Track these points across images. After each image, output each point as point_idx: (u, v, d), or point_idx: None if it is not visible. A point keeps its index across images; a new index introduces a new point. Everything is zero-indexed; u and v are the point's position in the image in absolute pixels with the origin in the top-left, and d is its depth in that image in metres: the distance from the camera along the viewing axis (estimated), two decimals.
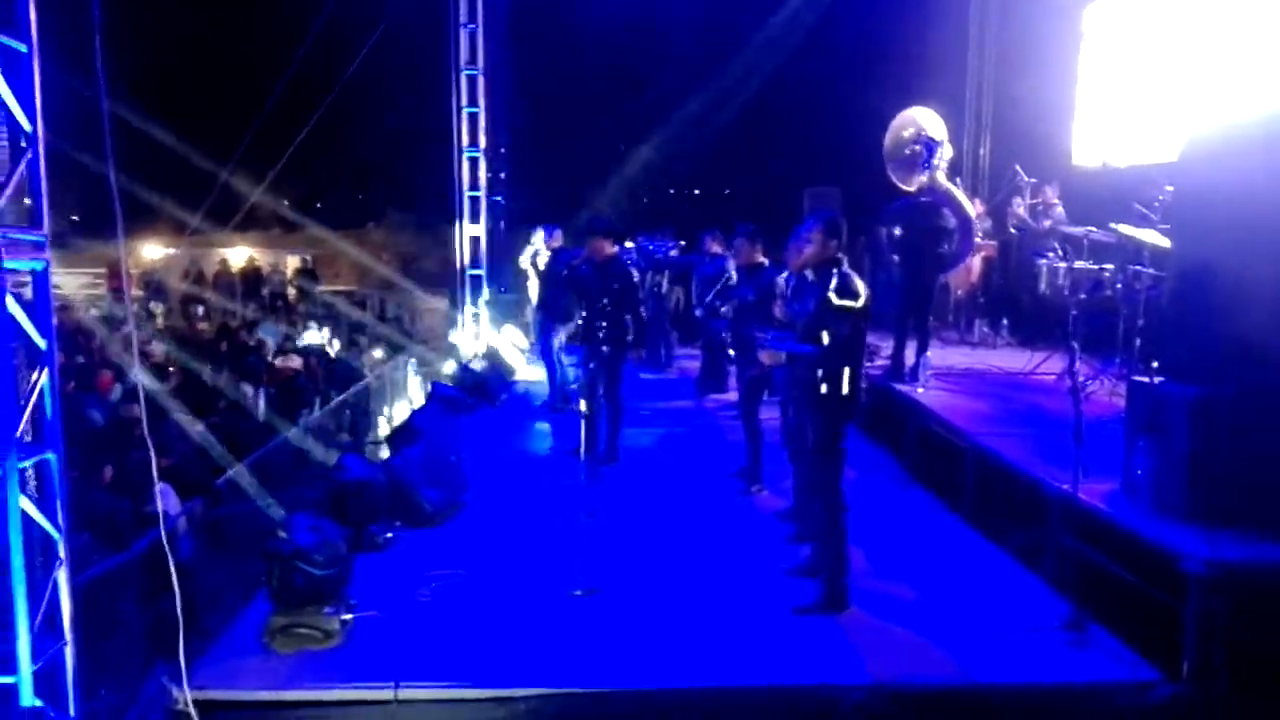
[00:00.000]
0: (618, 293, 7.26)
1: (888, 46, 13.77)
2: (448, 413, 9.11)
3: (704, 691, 4.17)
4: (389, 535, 5.93)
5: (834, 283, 4.72)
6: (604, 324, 7.08)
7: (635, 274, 7.73)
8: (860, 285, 4.75)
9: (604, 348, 7.04)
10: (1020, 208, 10.81)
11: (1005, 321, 10.89)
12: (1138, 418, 5.03)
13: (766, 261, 6.77)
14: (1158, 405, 4.86)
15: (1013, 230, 10.98)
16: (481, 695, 4.08)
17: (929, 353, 8.57)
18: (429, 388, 10.96)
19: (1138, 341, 7.48)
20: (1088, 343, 7.67)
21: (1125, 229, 7.86)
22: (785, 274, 5.84)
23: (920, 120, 8.76)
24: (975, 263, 10.90)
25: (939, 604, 5.00)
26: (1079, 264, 8.78)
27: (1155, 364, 5.52)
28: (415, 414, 9.33)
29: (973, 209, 9.23)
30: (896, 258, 8.80)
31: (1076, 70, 11.29)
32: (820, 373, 4.74)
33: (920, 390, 8.07)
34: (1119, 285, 8.09)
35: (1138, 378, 5.48)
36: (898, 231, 8.75)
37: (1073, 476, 4.79)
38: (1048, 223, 10.38)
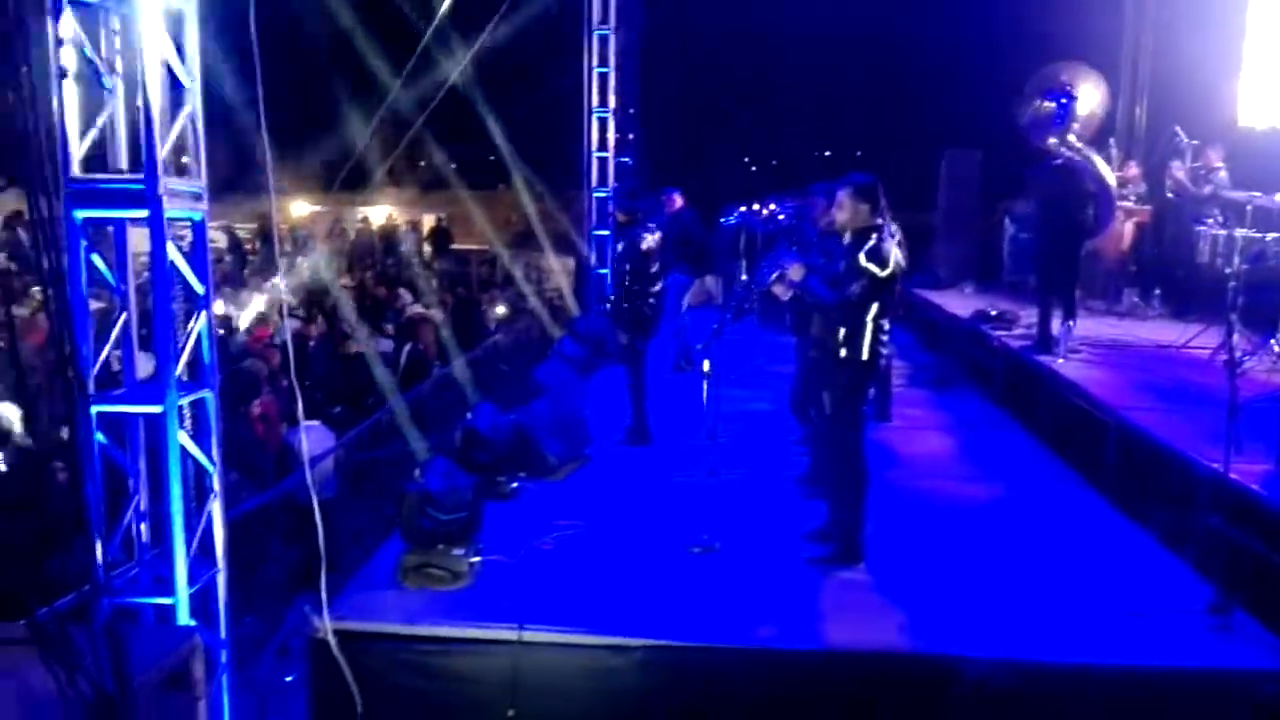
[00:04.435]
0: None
1: (1040, 4, 13.06)
2: (572, 369, 9.26)
3: (816, 654, 4.16)
4: (514, 485, 6.10)
5: (868, 246, 4.65)
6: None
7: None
8: (893, 256, 4.68)
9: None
10: (1179, 171, 10.15)
11: (1157, 292, 10.30)
12: None
13: None
14: None
15: (1170, 195, 10.33)
16: (600, 642, 4.18)
17: (1072, 323, 8.20)
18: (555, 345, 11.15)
19: None
20: (1246, 316, 7.18)
21: None
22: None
23: (1062, 76, 8.30)
24: (1127, 229, 10.34)
25: (1073, 581, 4.81)
26: (1240, 232, 8.23)
27: None
28: (539, 369, 9.52)
29: (1111, 176, 8.70)
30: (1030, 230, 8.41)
31: (1244, 23, 10.46)
32: (841, 335, 4.71)
33: (1060, 362, 7.74)
34: None
35: None
36: (1033, 200, 8.36)
37: (1224, 455, 4.52)
38: (1208, 188, 9.73)
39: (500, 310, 13.60)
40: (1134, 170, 10.77)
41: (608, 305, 9.16)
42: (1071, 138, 8.06)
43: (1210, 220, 9.00)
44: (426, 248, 22.49)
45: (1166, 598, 4.62)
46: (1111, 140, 11.17)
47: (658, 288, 7.30)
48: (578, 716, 4.17)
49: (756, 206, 13.20)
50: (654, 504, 5.83)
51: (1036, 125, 8.37)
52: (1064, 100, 8.08)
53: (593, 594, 4.58)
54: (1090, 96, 8.35)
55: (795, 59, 22.17)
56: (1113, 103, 9.94)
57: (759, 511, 5.73)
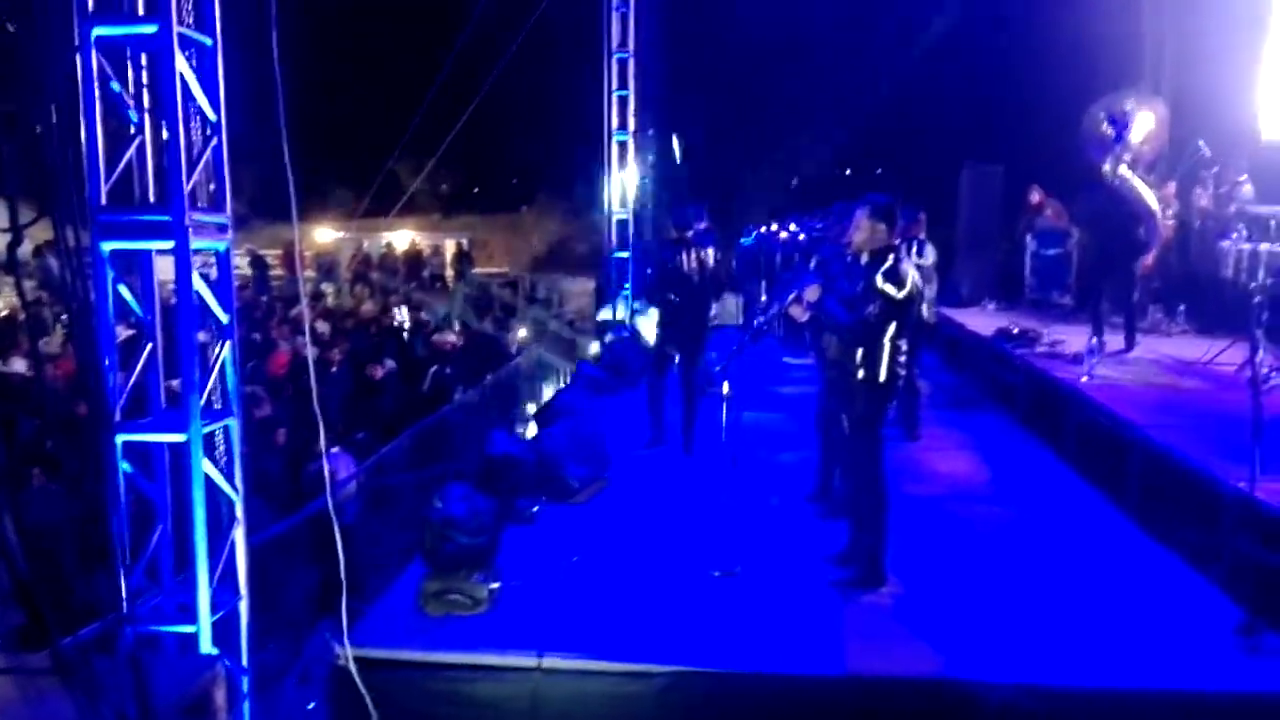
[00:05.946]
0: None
1: (1057, 12, 13.03)
2: (591, 392, 9.28)
3: (839, 680, 4.12)
4: (535, 509, 6.10)
5: (884, 267, 4.66)
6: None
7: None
8: (910, 277, 4.68)
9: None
10: (1204, 200, 10.06)
11: (1182, 307, 10.20)
12: None
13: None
14: None
15: (1196, 224, 10.25)
16: (621, 669, 4.16)
17: (1098, 341, 8.17)
18: (574, 368, 11.20)
19: None
20: (1271, 332, 7.10)
21: None
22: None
23: (1128, 103, 8.38)
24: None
25: (1098, 603, 4.75)
26: (1265, 246, 8.15)
27: None
28: (561, 393, 9.56)
29: (1155, 202, 8.69)
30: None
31: (1265, 34, 10.39)
32: (858, 356, 4.72)
33: (1084, 379, 7.68)
34: None
35: None
36: (1081, 222, 8.49)
37: (1250, 474, 4.47)
38: (1233, 206, 9.65)
39: (522, 334, 13.67)
40: (1171, 190, 10.68)
41: (630, 325, 9.21)
42: (1123, 168, 8.15)
43: (1235, 235, 8.92)
44: (449, 271, 22.66)
45: (1193, 620, 4.55)
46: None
47: (695, 303, 7.38)
48: None
49: (775, 227, 13.24)
50: (675, 527, 5.82)
51: (1092, 142, 8.47)
52: (1120, 129, 8.18)
53: (613, 620, 4.57)
54: (1145, 124, 8.41)
55: (814, 77, 22.24)
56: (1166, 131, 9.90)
57: (780, 534, 5.70)
